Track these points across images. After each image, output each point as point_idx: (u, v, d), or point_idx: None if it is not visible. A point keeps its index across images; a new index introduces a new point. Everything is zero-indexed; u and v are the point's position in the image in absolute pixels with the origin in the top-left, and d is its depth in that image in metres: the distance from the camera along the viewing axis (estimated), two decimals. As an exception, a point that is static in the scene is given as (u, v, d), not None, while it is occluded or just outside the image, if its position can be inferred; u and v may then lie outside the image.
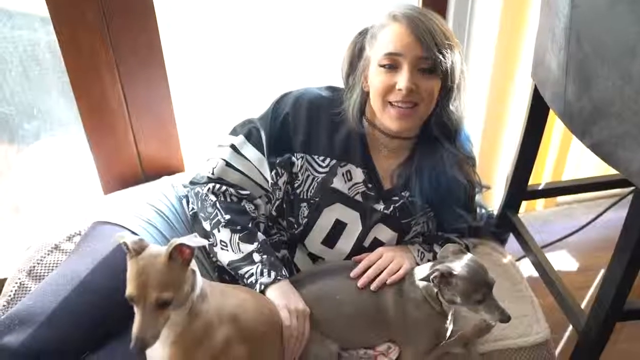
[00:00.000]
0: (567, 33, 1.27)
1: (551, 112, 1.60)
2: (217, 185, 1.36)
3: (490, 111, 1.97)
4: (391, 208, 1.41)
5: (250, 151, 1.38)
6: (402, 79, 1.26)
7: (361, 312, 1.31)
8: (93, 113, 1.65)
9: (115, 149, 1.72)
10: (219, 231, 1.33)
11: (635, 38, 1.09)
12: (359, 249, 1.41)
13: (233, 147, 1.39)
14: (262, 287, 1.27)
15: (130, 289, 0.98)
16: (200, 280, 1.09)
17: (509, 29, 1.83)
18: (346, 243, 1.41)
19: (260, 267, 1.29)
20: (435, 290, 1.25)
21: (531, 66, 1.58)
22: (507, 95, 1.97)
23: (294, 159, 1.38)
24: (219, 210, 1.34)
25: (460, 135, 1.42)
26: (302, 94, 1.39)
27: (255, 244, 1.32)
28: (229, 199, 1.36)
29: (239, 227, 1.33)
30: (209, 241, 1.34)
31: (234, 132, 1.41)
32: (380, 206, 1.41)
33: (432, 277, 1.21)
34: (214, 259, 1.38)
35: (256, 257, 1.30)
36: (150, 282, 0.97)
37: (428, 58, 1.26)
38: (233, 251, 1.32)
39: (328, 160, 1.39)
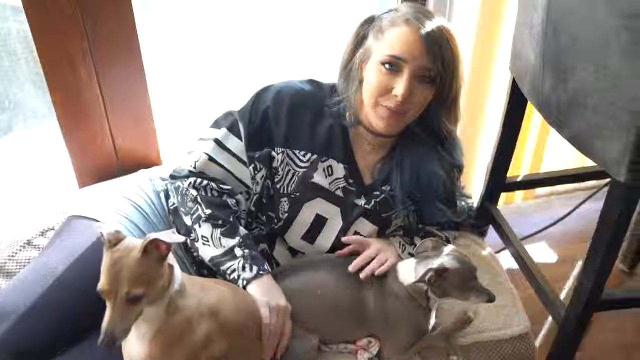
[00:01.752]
0: (545, 25, 1.29)
1: (529, 104, 1.62)
2: (199, 180, 1.35)
3: (469, 104, 1.98)
4: (372, 203, 1.42)
5: (233, 143, 1.37)
6: (399, 86, 1.26)
7: (342, 306, 1.32)
8: (67, 104, 1.62)
9: (90, 141, 1.70)
10: (199, 226, 1.32)
11: (610, 30, 1.11)
12: (340, 244, 1.41)
13: (217, 141, 1.38)
14: (245, 282, 1.27)
15: (101, 282, 0.97)
16: (179, 275, 1.08)
17: (487, 21, 1.85)
18: (327, 238, 1.41)
19: (242, 261, 1.28)
20: (425, 287, 1.26)
21: (509, 59, 1.60)
22: (486, 87, 1.99)
23: (273, 153, 1.37)
24: (199, 204, 1.33)
25: (450, 143, 1.44)
26: (283, 88, 1.39)
27: (237, 238, 1.31)
28: (209, 193, 1.35)
29: (220, 222, 1.32)
30: (190, 237, 1.33)
31: (216, 125, 1.40)
32: (361, 201, 1.42)
33: (427, 277, 1.21)
34: (195, 254, 1.37)
35: (238, 251, 1.29)
36: (121, 276, 0.96)
37: (431, 69, 1.26)
38: (214, 246, 1.31)
39: (309, 155, 1.39)
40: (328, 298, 1.32)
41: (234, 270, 1.28)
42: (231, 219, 1.33)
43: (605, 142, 1.18)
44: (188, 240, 1.34)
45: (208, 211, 1.32)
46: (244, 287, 1.27)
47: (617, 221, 1.29)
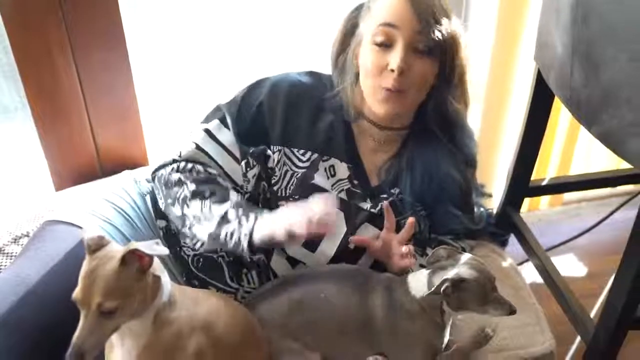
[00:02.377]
0: (574, 11, 1.30)
1: (557, 99, 1.63)
2: (183, 164, 1.36)
3: (490, 98, 2.01)
4: (379, 207, 1.43)
5: (226, 135, 1.39)
6: (394, 58, 1.28)
7: (345, 321, 1.32)
8: (43, 98, 1.64)
9: (68, 140, 1.72)
10: (188, 207, 1.31)
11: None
12: (344, 252, 1.41)
13: (207, 131, 1.39)
14: (249, 235, 1.24)
15: (76, 290, 0.99)
16: (168, 286, 1.09)
17: (510, 6, 1.87)
18: (329, 246, 1.41)
19: (237, 220, 1.26)
20: (441, 300, 1.26)
21: (534, 48, 1.61)
22: (509, 80, 2.01)
23: (269, 152, 1.39)
24: (185, 184, 1.33)
25: (461, 131, 1.45)
26: (280, 80, 1.41)
27: (228, 202, 1.30)
28: (195, 174, 1.35)
29: (207, 194, 1.31)
30: (185, 227, 1.32)
31: (207, 121, 1.42)
32: (366, 205, 1.43)
33: (442, 289, 1.21)
34: (195, 250, 1.38)
35: (231, 214, 1.28)
36: (95, 286, 0.98)
37: (425, 34, 1.28)
38: (208, 220, 1.28)
39: (309, 154, 1.40)
40: (331, 312, 1.32)
41: (232, 234, 1.26)
42: (220, 187, 1.34)
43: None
44: (187, 230, 1.33)
45: (192, 187, 1.32)
46: (250, 243, 1.24)
47: (653, 228, 1.30)
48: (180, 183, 1.34)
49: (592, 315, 1.63)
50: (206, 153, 1.38)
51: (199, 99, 1.89)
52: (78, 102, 1.67)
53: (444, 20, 1.29)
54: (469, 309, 1.26)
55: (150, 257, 1.01)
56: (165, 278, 1.09)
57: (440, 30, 1.28)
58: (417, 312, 1.29)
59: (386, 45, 1.30)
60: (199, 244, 1.37)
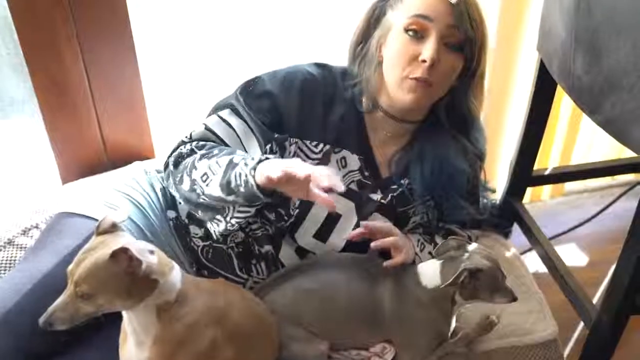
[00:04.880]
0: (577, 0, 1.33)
1: (559, 88, 1.65)
2: (195, 143, 1.35)
3: (493, 88, 2.02)
4: (389, 197, 1.45)
5: (235, 121, 1.38)
6: (427, 49, 1.28)
7: (354, 310, 1.34)
8: (50, 91, 1.65)
9: (76, 133, 1.73)
10: (196, 169, 1.28)
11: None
12: (354, 242, 1.42)
13: (219, 116, 1.39)
14: (252, 170, 1.18)
15: (71, 264, 1.03)
16: (176, 286, 1.11)
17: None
18: (340, 236, 1.43)
19: (243, 161, 1.22)
20: (455, 290, 1.28)
21: (537, 38, 1.64)
22: (511, 70, 2.03)
23: (286, 143, 1.39)
24: (195, 152, 1.32)
25: (474, 127, 1.48)
26: (291, 72, 1.41)
27: (234, 153, 1.29)
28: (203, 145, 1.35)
29: (215, 152, 1.30)
30: (197, 193, 1.29)
31: (216, 110, 1.42)
32: (377, 196, 1.44)
33: (461, 279, 1.23)
34: (198, 244, 1.41)
35: (237, 159, 1.24)
36: (81, 267, 1.01)
37: (458, 29, 1.29)
38: (216, 174, 1.25)
39: (321, 145, 1.41)
40: (339, 301, 1.34)
41: (240, 175, 1.21)
42: (227, 148, 1.34)
43: (642, 127, 1.22)
44: (201, 199, 1.29)
45: (201, 152, 1.31)
46: (254, 176, 1.18)
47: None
48: (191, 152, 1.33)
49: (594, 302, 1.65)
50: (215, 134, 1.37)
51: (205, 92, 1.90)
52: (85, 95, 1.68)
53: (477, 18, 1.31)
54: (479, 297, 1.29)
55: (139, 261, 1.02)
56: (171, 279, 1.10)
57: (472, 27, 1.30)
58: (427, 302, 1.31)
59: (418, 35, 1.30)
60: (218, 225, 1.35)
